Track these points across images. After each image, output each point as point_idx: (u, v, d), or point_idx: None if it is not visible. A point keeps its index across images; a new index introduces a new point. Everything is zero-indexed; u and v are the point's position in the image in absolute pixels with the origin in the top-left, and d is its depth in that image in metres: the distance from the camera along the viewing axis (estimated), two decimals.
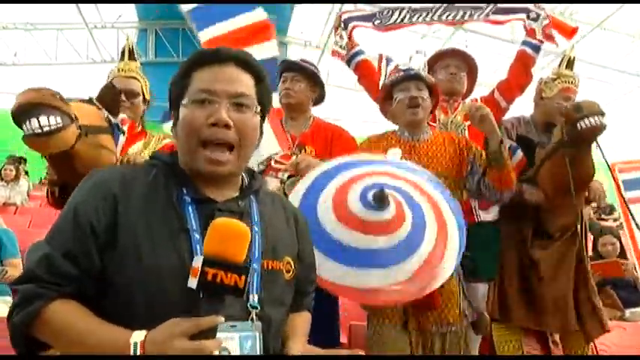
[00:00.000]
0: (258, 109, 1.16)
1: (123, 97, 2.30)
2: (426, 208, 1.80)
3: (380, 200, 1.69)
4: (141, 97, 2.41)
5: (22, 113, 1.64)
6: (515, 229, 2.55)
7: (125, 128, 2.21)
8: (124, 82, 2.36)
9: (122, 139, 2.15)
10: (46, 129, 1.65)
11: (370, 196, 1.70)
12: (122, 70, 2.41)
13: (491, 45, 11.15)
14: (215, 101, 1.10)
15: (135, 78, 2.41)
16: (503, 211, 2.61)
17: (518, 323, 2.47)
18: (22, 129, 1.67)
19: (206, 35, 2.61)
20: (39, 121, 1.64)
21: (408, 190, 1.82)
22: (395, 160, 2.03)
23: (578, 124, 2.19)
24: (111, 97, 2.07)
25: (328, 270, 1.67)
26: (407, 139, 2.30)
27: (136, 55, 2.52)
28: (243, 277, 0.91)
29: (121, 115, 2.15)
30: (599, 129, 2.20)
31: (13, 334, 1.01)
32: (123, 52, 2.49)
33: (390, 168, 1.92)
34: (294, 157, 2.41)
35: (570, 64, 2.75)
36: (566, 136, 2.26)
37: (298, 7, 11.83)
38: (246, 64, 1.16)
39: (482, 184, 2.23)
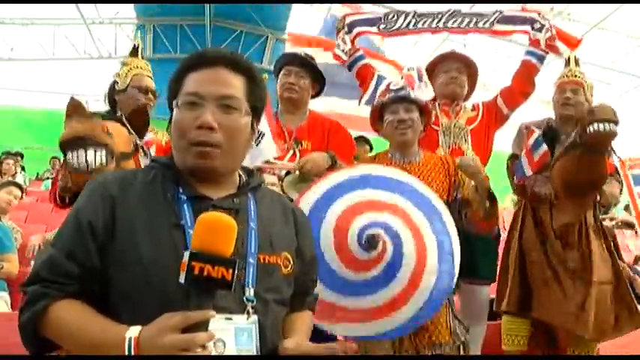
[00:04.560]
0: (248, 109, 1.16)
1: (150, 96, 2.34)
2: (408, 243, 1.87)
3: (371, 244, 1.80)
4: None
5: (73, 142, 1.70)
6: (537, 229, 2.57)
7: (152, 150, 2.24)
8: (148, 81, 2.38)
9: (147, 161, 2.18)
10: (91, 166, 1.70)
11: (364, 237, 1.82)
12: (142, 68, 2.42)
13: (490, 43, 11.16)
14: (201, 104, 1.11)
15: (150, 76, 2.43)
16: (526, 212, 2.64)
17: (537, 316, 2.49)
18: (65, 157, 1.72)
19: None
20: (86, 156, 1.69)
21: (397, 227, 1.89)
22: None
23: (587, 128, 2.18)
24: (142, 120, 2.13)
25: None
26: (398, 161, 2.30)
27: (139, 52, 2.53)
28: (230, 270, 0.91)
29: (149, 136, 2.18)
30: (607, 135, 2.18)
31: (23, 334, 1.04)
32: (136, 49, 2.49)
33: (390, 196, 1.96)
34: (290, 151, 2.40)
35: (569, 61, 2.80)
36: (579, 138, 2.26)
37: (296, 5, 11.82)
38: (235, 64, 1.16)
39: (462, 217, 2.22)
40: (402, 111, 2.25)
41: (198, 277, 0.89)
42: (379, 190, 1.96)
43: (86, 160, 1.68)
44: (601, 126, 2.15)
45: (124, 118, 2.13)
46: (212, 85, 1.12)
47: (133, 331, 0.92)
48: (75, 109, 1.84)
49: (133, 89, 2.33)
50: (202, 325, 0.90)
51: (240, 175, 1.24)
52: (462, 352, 2.13)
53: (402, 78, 2.56)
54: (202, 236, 0.92)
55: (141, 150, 2.12)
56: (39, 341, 1.03)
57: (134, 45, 2.51)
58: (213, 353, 0.95)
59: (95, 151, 1.70)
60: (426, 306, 1.84)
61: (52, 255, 1.04)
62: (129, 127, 2.08)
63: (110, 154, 1.77)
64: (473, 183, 2.17)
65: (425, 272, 1.85)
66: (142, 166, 2.06)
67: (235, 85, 1.15)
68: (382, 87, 2.61)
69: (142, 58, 2.49)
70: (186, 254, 0.91)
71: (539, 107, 2.90)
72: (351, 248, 1.82)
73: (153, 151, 2.32)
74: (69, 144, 1.69)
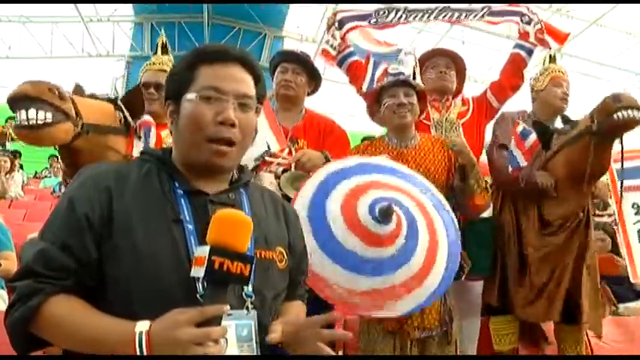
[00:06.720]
0: (259, 108, 1.19)
1: (151, 90, 2.34)
2: (421, 225, 1.84)
3: (386, 216, 1.75)
4: None
5: (13, 103, 1.66)
6: (515, 219, 2.58)
7: (152, 132, 2.22)
8: (153, 76, 2.39)
9: (141, 142, 2.16)
10: (32, 122, 1.66)
11: (377, 210, 1.76)
12: (153, 63, 2.44)
13: (488, 41, 11.16)
14: (222, 99, 1.11)
15: (165, 71, 2.41)
16: (505, 201, 2.64)
17: (517, 315, 2.49)
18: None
19: None
20: (27, 114, 1.65)
21: (408, 205, 1.86)
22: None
23: (615, 115, 2.19)
24: (136, 100, 2.10)
25: (330, 272, 1.78)
26: (395, 145, 2.30)
27: (168, 49, 2.56)
28: (248, 266, 0.94)
29: (144, 117, 2.17)
30: (635, 122, 2.22)
31: (12, 332, 1.00)
32: (157, 47, 2.53)
33: (393, 179, 1.96)
34: (287, 149, 2.41)
35: (553, 59, 2.84)
36: (597, 125, 2.26)
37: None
38: (249, 64, 1.18)
39: (457, 201, 2.25)
40: (401, 95, 2.26)
41: (216, 271, 0.91)
42: (379, 174, 1.96)
43: (27, 118, 1.65)
44: (630, 113, 2.18)
45: (118, 102, 2.12)
46: (232, 82, 1.13)
47: (143, 326, 0.91)
48: None
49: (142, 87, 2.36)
50: (215, 320, 0.92)
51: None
52: (448, 339, 2.15)
53: (399, 63, 2.55)
54: (221, 232, 0.95)
55: (134, 133, 2.09)
56: (29, 340, 1.00)
57: (157, 43, 2.54)
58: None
59: (37, 110, 1.66)
60: (439, 287, 1.85)
61: (45, 248, 1.00)
62: (123, 110, 2.06)
63: (60, 114, 1.73)
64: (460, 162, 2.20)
65: (438, 253, 1.84)
66: (134, 150, 2.05)
67: (250, 84, 1.17)
68: (379, 71, 2.60)
69: (166, 53, 2.51)
70: (204, 249, 0.92)
71: (529, 100, 2.91)
72: (365, 224, 1.78)
73: (152, 134, 2.30)
74: (12, 105, 1.67)
